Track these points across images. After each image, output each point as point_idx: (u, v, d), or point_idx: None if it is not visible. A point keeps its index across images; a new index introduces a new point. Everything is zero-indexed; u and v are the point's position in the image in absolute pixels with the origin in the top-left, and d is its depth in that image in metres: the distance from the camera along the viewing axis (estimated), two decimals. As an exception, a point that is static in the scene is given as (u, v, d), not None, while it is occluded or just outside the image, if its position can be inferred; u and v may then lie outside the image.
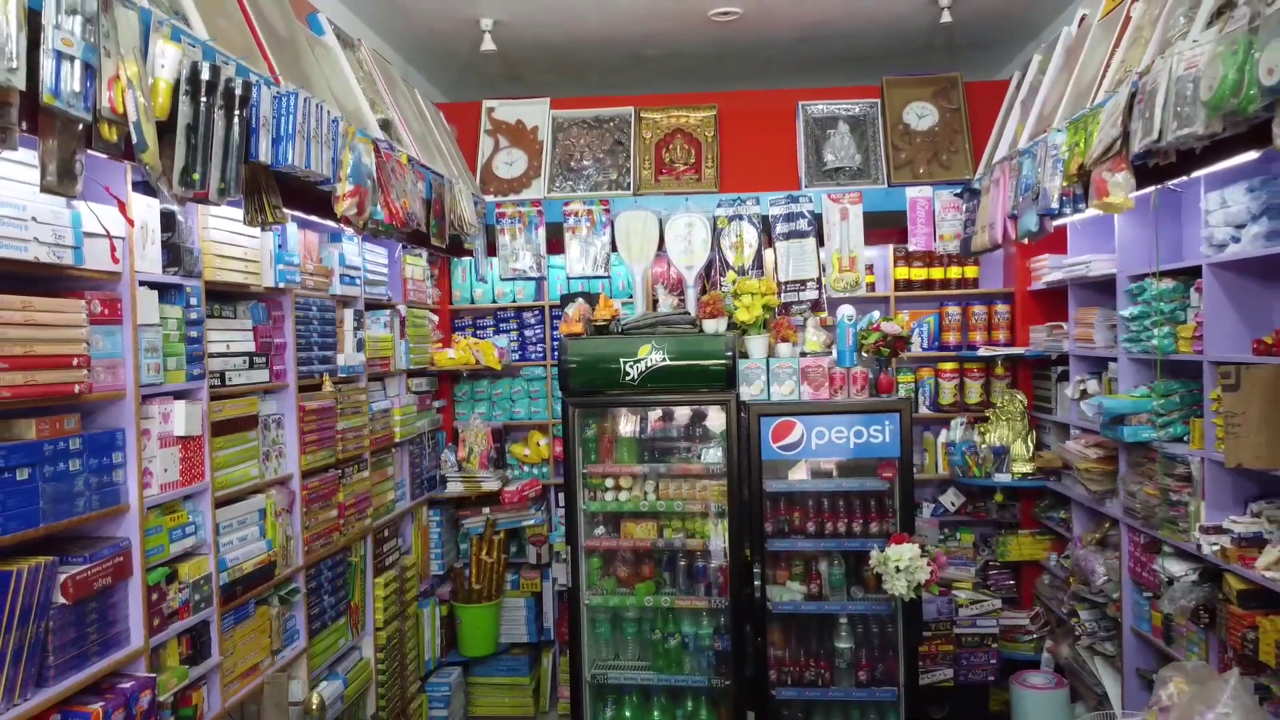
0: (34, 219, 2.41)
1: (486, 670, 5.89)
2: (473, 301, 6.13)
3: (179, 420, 3.03)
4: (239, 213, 3.36)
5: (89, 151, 2.17)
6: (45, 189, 2.11)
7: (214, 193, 2.52)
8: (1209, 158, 3.04)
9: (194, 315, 3.19)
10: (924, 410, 5.86)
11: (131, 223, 2.78)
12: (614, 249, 5.54)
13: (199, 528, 3.20)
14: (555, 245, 5.65)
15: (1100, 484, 4.60)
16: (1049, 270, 5.31)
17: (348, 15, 4.85)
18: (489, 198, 5.65)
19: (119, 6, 2.12)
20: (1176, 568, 3.81)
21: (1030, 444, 5.50)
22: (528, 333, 6.07)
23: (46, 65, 1.90)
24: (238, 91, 2.55)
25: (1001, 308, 5.80)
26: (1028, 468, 5.43)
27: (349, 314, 4.53)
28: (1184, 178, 3.39)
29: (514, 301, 6.09)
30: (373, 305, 4.92)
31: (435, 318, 5.90)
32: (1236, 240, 3.47)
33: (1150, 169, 3.25)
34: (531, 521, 5.86)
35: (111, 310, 2.76)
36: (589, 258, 5.52)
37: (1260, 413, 3.25)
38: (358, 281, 4.64)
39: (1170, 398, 3.95)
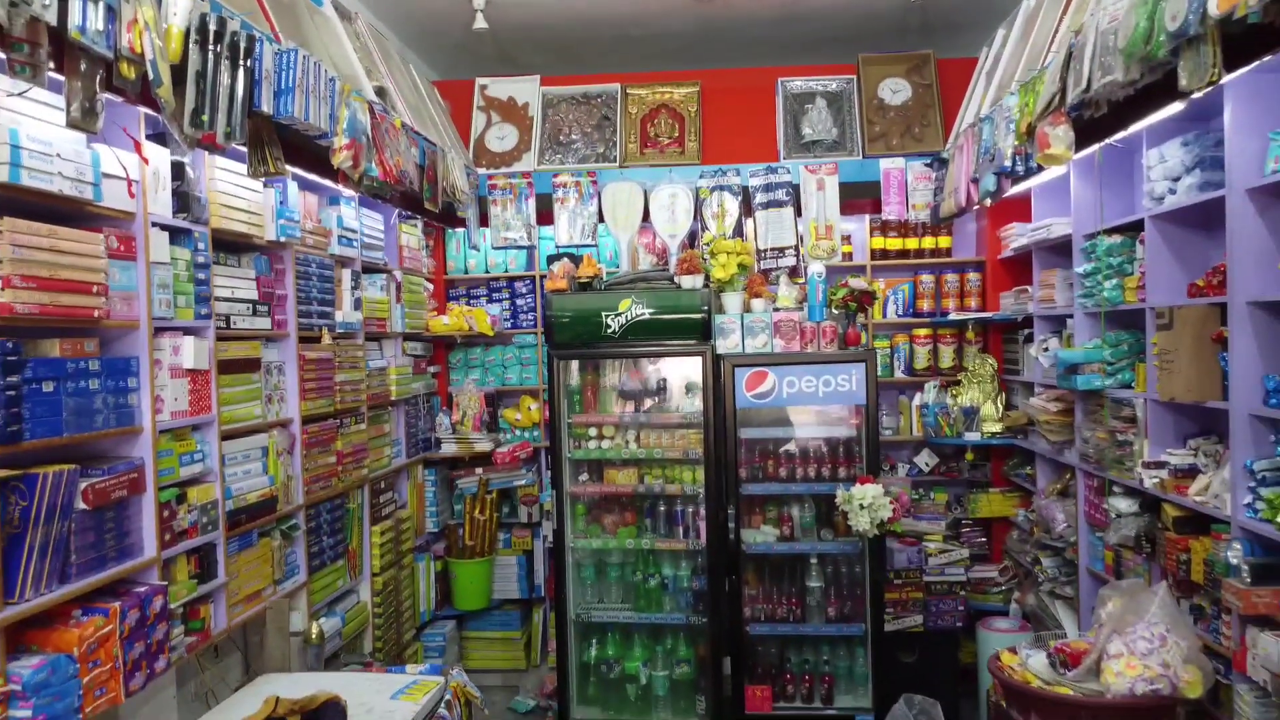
0: (59, 155, 2.66)
1: (479, 624, 6.15)
2: (466, 271, 6.39)
3: (188, 354, 3.29)
4: (243, 167, 3.62)
5: (107, 95, 2.43)
6: (70, 124, 2.36)
7: (220, 136, 2.77)
8: (1139, 110, 3.29)
9: (201, 259, 3.44)
10: (899, 375, 6.11)
11: (147, 161, 3.04)
12: (601, 219, 5.79)
13: (206, 456, 3.45)
14: (545, 216, 5.89)
15: (1059, 435, 4.85)
16: (1016, 237, 5.56)
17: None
18: (481, 170, 5.90)
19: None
20: (1123, 504, 4.06)
21: (1000, 404, 5.74)
22: (519, 301, 6.33)
23: (74, 6, 2.15)
24: (242, 44, 2.81)
25: (973, 275, 6.05)
26: (997, 427, 5.67)
27: (346, 274, 4.78)
28: (1123, 133, 3.64)
29: (506, 271, 6.34)
30: (370, 269, 5.17)
31: (430, 286, 6.16)
32: (1174, 192, 3.72)
33: (1089, 123, 3.50)
34: (523, 482, 6.11)
35: (127, 247, 3.01)
36: (577, 227, 5.77)
37: (1191, 349, 3.49)
38: (355, 244, 4.89)
39: (1119, 347, 4.19)
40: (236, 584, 3.62)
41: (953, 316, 5.94)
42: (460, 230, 6.23)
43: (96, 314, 2.82)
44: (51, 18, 2.09)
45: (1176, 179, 3.69)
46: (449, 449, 6.00)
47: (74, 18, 2.16)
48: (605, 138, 5.98)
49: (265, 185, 3.90)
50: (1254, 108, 3.16)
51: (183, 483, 3.31)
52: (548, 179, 5.82)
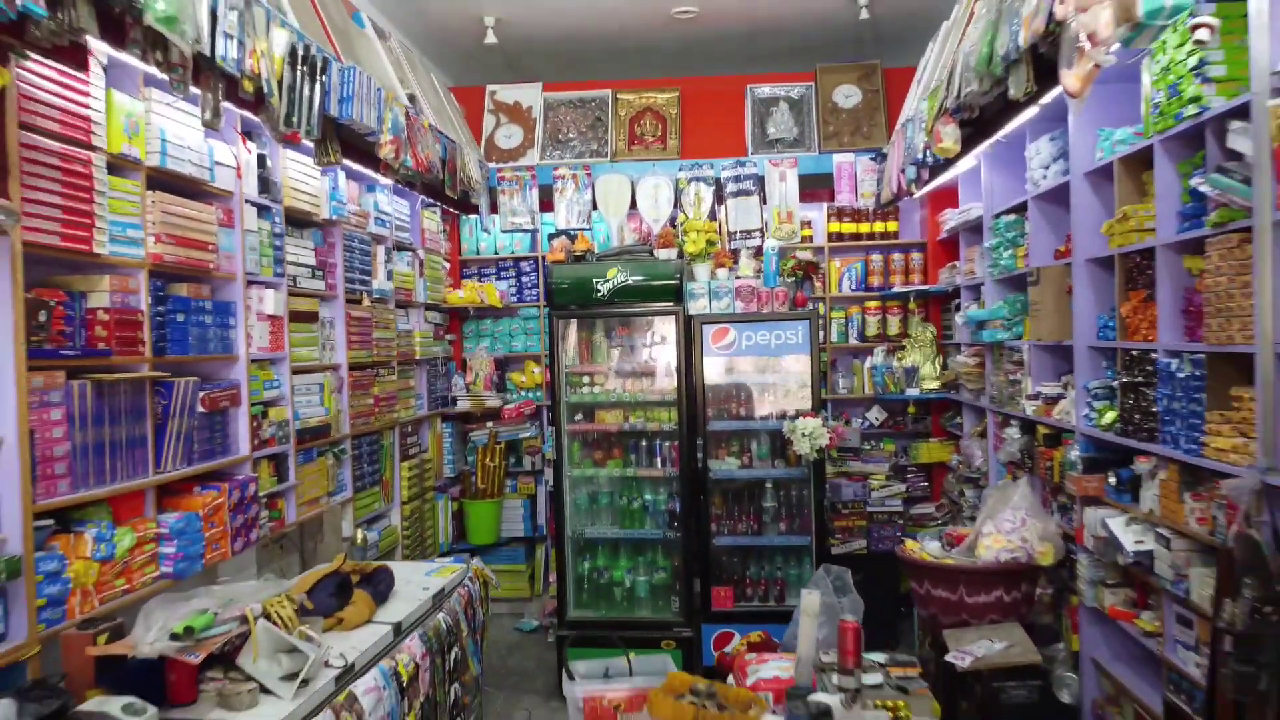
0: (189, 147, 3.62)
1: (490, 558, 7.09)
2: (478, 252, 7.35)
3: (269, 303, 4.25)
4: (306, 158, 4.60)
5: (225, 103, 3.38)
6: (205, 124, 3.31)
7: (303, 134, 3.73)
8: (1010, 113, 4.25)
9: (277, 230, 4.40)
10: (853, 341, 7.06)
11: (250, 152, 3.99)
12: (594, 206, 6.75)
13: (281, 385, 4.41)
14: (546, 204, 6.86)
15: (975, 384, 5.81)
16: (948, 220, 6.52)
17: (375, 12, 6.05)
18: (492, 164, 6.86)
19: (255, 5, 3.33)
20: (1014, 432, 5.02)
21: (937, 365, 6.69)
22: (524, 279, 7.29)
23: (220, 41, 3.11)
24: (318, 64, 3.77)
25: (916, 255, 7.00)
26: (934, 384, 6.62)
27: (380, 250, 5.74)
28: (1004, 131, 4.60)
29: (512, 252, 7.30)
30: (399, 247, 6.13)
31: (447, 264, 7.12)
32: (1045, 178, 4.67)
33: (982, 122, 4.45)
34: (527, 434, 7.07)
35: (229, 217, 3.97)
36: (574, 213, 6.74)
37: (1053, 300, 4.45)
38: (387, 225, 5.85)
39: (1014, 305, 5.14)
40: (301, 489, 4.58)
41: (897, 290, 6.89)
42: (473, 216, 7.19)
43: (210, 266, 3.78)
44: (206, 50, 3.04)
45: (1047, 167, 4.65)
46: (463, 405, 6.96)
47: (219, 49, 3.11)
48: (598, 136, 6.93)
49: (322, 173, 4.86)
50: (1089, 110, 4.11)
51: (265, 403, 4.27)
52: (549, 172, 6.78)
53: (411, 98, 5.24)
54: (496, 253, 7.33)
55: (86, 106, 3.08)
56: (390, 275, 5.88)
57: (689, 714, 2.22)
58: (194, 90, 3.24)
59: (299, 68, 3.62)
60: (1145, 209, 3.61)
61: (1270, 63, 2.72)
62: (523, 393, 7.24)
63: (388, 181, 5.67)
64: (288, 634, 2.94)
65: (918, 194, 6.39)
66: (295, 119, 3.65)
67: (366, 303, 5.46)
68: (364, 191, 5.61)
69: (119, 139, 3.25)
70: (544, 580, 7.18)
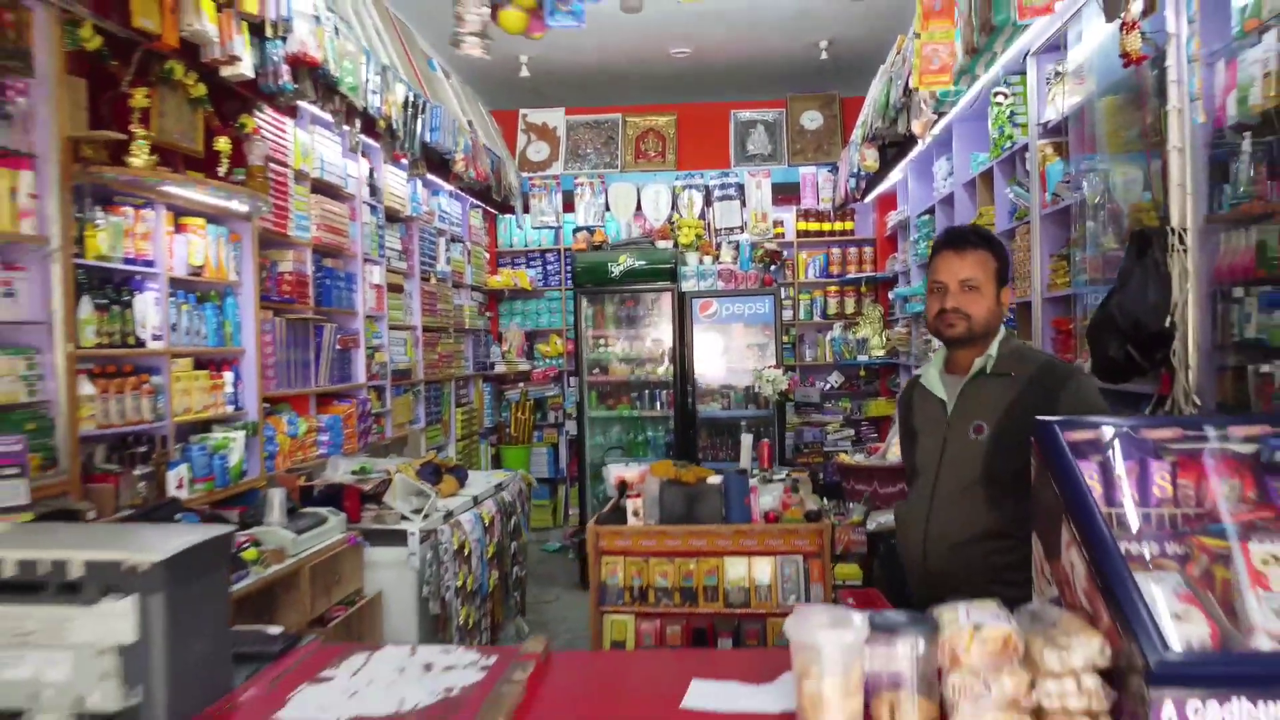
0: (332, 164, 5.26)
1: (521, 494, 8.71)
2: (511, 245, 8.99)
3: (375, 275, 5.88)
4: (399, 171, 6.23)
5: (361, 136, 5.00)
6: (348, 148, 4.95)
7: (409, 156, 5.37)
8: (912, 143, 5.87)
9: (380, 224, 6.02)
10: (817, 318, 8.69)
11: (373, 170, 5.64)
12: (607, 208, 8.39)
13: (382, 336, 6.04)
14: (568, 206, 8.49)
15: (905, 347, 7.43)
16: (890, 220, 8.15)
17: (433, 52, 7.68)
18: (524, 174, 8.49)
19: (388, 70, 4.97)
20: (926, 378, 6.64)
21: (884, 337, 8.32)
22: (549, 267, 8.92)
23: (371, 96, 4.73)
24: (419, 105, 5.41)
25: (868, 248, 8.63)
26: (880, 352, 8.25)
27: (442, 241, 7.37)
28: (909, 156, 6.23)
29: (540, 246, 8.94)
30: (453, 239, 7.76)
31: (487, 255, 8.76)
32: (944, 187, 6.31)
33: (896, 145, 6.07)
34: (551, 393, 8.71)
35: (353, 214, 5.60)
36: (591, 213, 8.37)
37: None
38: (447, 222, 7.48)
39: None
40: (395, 414, 6.21)
41: (852, 276, 8.53)
42: (509, 215, 8.83)
43: (344, 247, 5.41)
44: (360, 103, 4.67)
45: (945, 179, 6.28)
46: (500, 368, 8.58)
47: (370, 101, 4.74)
48: (610, 151, 8.57)
49: (407, 181, 6.50)
50: (968, 139, 5.73)
51: (373, 348, 5.90)
52: (570, 180, 8.41)
53: (470, 124, 6.88)
54: (526, 245, 8.97)
55: (284, 139, 4.71)
56: (448, 261, 7.51)
57: (671, 469, 3.79)
58: (344, 127, 4.88)
59: (408, 109, 5.26)
60: (991, 211, 5.24)
61: (1037, 116, 4.34)
62: (547, 360, 8.86)
63: (449, 187, 7.31)
64: (415, 482, 4.57)
65: (866, 200, 8.01)
66: (404, 146, 5.29)
67: (433, 281, 7.10)
68: (431, 195, 7.25)
69: (299, 160, 4.88)
70: (564, 512, 8.80)
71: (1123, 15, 2.73)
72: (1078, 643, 1.50)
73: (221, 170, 3.92)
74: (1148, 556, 1.63)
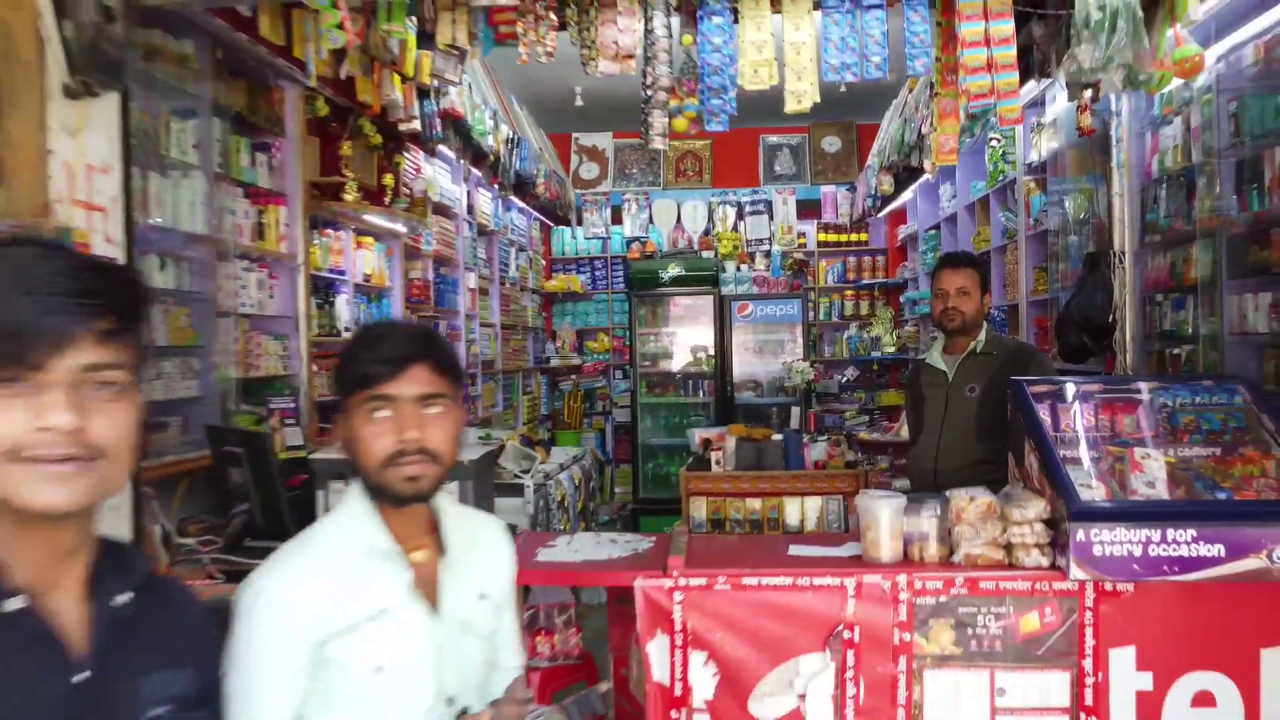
0: (445, 189, 6.40)
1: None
2: (564, 253, 10.14)
3: (471, 280, 7.02)
4: (488, 192, 7.38)
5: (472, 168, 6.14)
6: (461, 178, 6.09)
7: (506, 183, 6.52)
8: (921, 170, 6.99)
9: (473, 237, 7.17)
10: (835, 319, 9.83)
11: (476, 192, 6.80)
12: (650, 221, 9.53)
13: (475, 331, 7.18)
14: (616, 219, 9.63)
15: (914, 343, 8.57)
16: (900, 233, 9.29)
17: (502, 86, 8.82)
18: (577, 191, 9.63)
19: (498, 115, 6.11)
20: (933, 370, 7.77)
21: (894, 335, 9.45)
22: (598, 273, 10.07)
23: (484, 140, 5.87)
24: (515, 142, 6.55)
25: (880, 257, 9.77)
26: (892, 348, 9.38)
27: (513, 250, 8.52)
28: (923, 177, 7.36)
29: (589, 254, 10.09)
30: (520, 248, 8.91)
31: (543, 261, 9.91)
32: (948, 208, 7.44)
33: (907, 170, 7.20)
34: (600, 385, 9.84)
35: (457, 228, 6.74)
36: (636, 225, 9.52)
37: (950, 283, 7.20)
38: (515, 234, 8.63)
39: (935, 289, 7.89)
40: (483, 398, 7.34)
41: (866, 282, 9.67)
42: (564, 227, 9.97)
43: (452, 258, 6.55)
44: (479, 144, 5.80)
45: (950, 200, 7.41)
46: (555, 362, 9.73)
47: (486, 142, 5.87)
48: (654, 171, 9.71)
49: (491, 200, 7.65)
50: (968, 167, 6.86)
51: (469, 341, 7.04)
52: (618, 196, 9.56)
53: (540, 150, 8.02)
54: (578, 254, 10.12)
55: (420, 172, 5.85)
56: (516, 268, 8.66)
57: (744, 429, 4.91)
58: (461, 161, 6.02)
59: (508, 145, 6.40)
60: (988, 230, 6.37)
61: (1024, 157, 5.47)
62: (596, 355, 10.00)
63: (519, 203, 8.45)
64: (521, 448, 5.70)
65: (880, 215, 9.15)
66: (503, 174, 6.44)
67: (507, 285, 8.24)
68: (504, 210, 8.39)
69: (429, 188, 6.02)
70: (611, 490, 9.92)
71: (1079, 99, 3.87)
72: (1032, 505, 2.63)
73: (387, 200, 5.07)
74: (1075, 457, 2.76)
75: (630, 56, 2.98)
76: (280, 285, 4.15)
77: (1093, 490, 2.64)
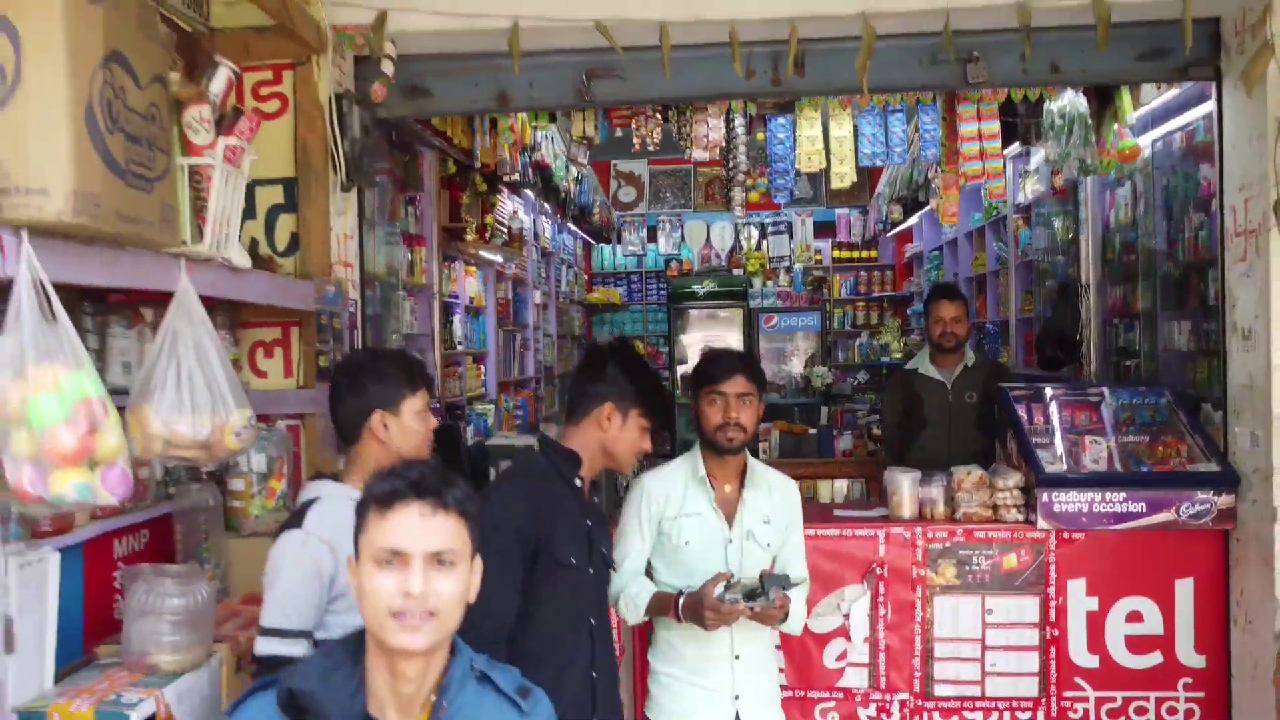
0: (521, 218, 7.48)
1: (611, 466, 10.94)
2: (603, 268, 11.23)
3: (536, 296, 8.10)
4: (548, 220, 8.47)
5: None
6: (530, 210, 7.17)
7: (570, 214, 7.61)
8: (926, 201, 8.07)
9: (537, 259, 8.24)
10: (848, 328, 10.92)
11: (546, 222, 7.90)
12: (683, 239, 10.62)
13: (540, 342, 8.25)
14: (651, 237, 10.72)
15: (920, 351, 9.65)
16: (907, 250, 10.38)
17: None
18: (616, 212, 10.71)
19: (566, 157, 7.18)
20: (936, 374, 8.84)
21: (901, 343, 10.52)
22: (634, 287, 11.16)
23: (561, 182, 6.95)
24: (579, 178, 7.64)
25: (889, 272, 10.87)
26: (899, 354, 10.45)
27: (564, 267, 9.60)
28: (925, 209, 8.44)
29: (626, 269, 11.18)
30: (569, 265, 10.00)
31: (585, 275, 11.00)
32: (951, 232, 8.51)
33: (914, 201, 8.28)
34: (636, 386, 10.92)
35: (528, 253, 7.82)
36: (670, 244, 10.60)
37: (952, 299, 8.29)
38: (565, 254, 9.72)
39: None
40: (545, 401, 8.42)
41: (876, 295, 10.77)
42: (604, 245, 11.07)
43: (523, 278, 7.63)
44: (560, 186, 6.87)
45: (952, 227, 8.48)
46: (596, 367, 10.80)
47: (562, 184, 6.94)
48: (685, 195, 10.78)
49: (550, 224, 8.73)
50: (969, 201, 7.92)
51: (536, 350, 8.11)
52: (654, 217, 10.64)
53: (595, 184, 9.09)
54: (615, 269, 11.21)
55: (517, 214, 6.92)
56: (567, 283, 9.75)
57: (786, 425, 6.00)
58: (536, 198, 7.10)
59: (576, 182, 7.49)
60: (983, 256, 7.45)
61: (1013, 198, 6.54)
62: (632, 360, 11.08)
63: (571, 225, 9.55)
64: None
65: (889, 235, 10.23)
66: (569, 206, 7.52)
67: (560, 300, 9.33)
68: (557, 232, 9.49)
69: (512, 220, 7.10)
70: (645, 482, 11.00)
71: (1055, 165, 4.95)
72: (1012, 476, 3.70)
73: (488, 235, 6.15)
74: (1045, 443, 3.83)
75: (717, 146, 4.05)
76: (419, 309, 5.22)
77: (1055, 465, 3.72)
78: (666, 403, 2.66)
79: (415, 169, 5.09)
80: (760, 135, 4.28)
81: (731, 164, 4.37)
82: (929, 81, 3.57)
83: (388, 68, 3.42)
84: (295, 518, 2.21)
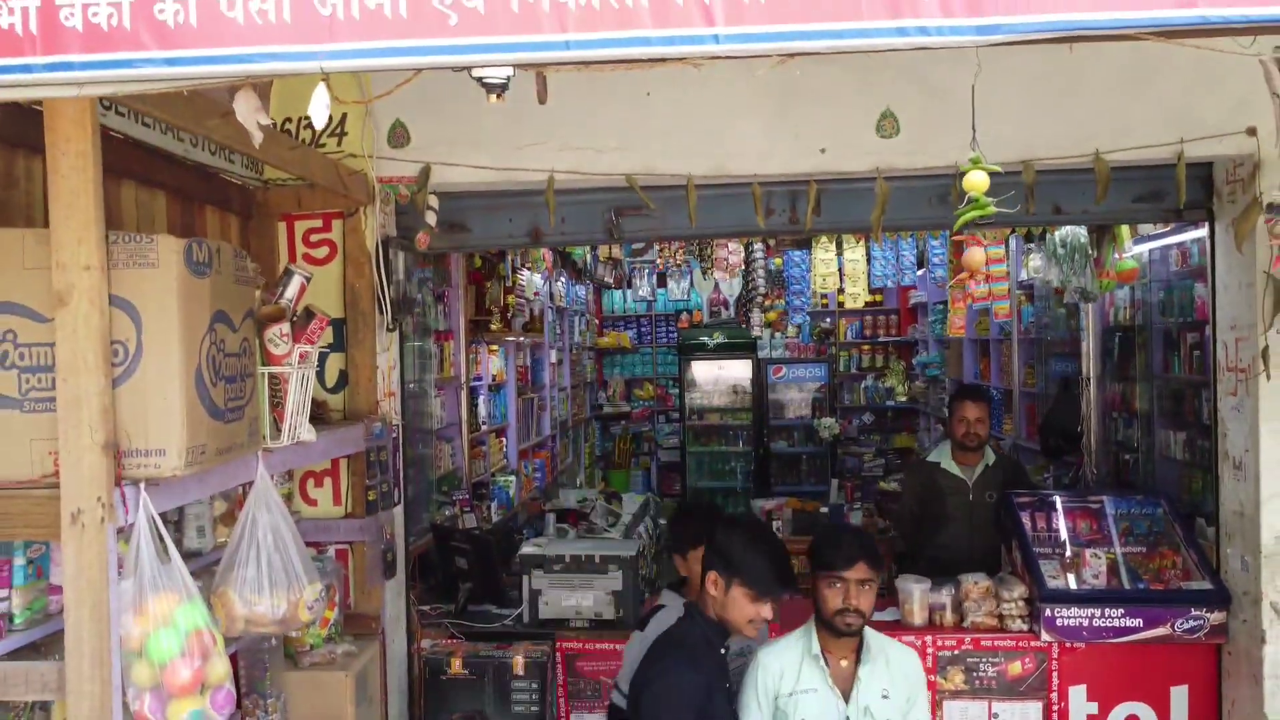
0: (536, 284, 7.72)
1: (622, 507, 11.17)
2: (613, 312, 11.46)
3: (552, 355, 8.33)
4: (561, 279, 8.69)
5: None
6: (546, 279, 7.41)
7: (581, 275, 7.84)
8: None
9: (552, 319, 8.47)
10: (854, 370, 11.15)
11: (562, 282, 8.14)
12: (692, 286, 10.85)
13: (555, 398, 8.48)
14: (661, 282, 10.95)
15: (924, 397, 9.89)
16: (912, 298, 10.61)
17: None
18: (627, 260, 10.94)
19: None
20: (940, 427, 9.08)
21: (906, 386, 10.76)
22: (644, 330, 11.39)
23: (580, 258, 7.18)
24: (594, 245, 7.88)
25: (893, 317, 11.09)
26: (904, 397, 10.69)
27: (576, 316, 9.83)
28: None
29: (636, 313, 11.41)
30: (580, 315, 10.23)
31: (596, 321, 11.24)
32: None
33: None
34: (646, 429, 11.17)
35: (544, 316, 8.05)
36: (680, 290, 10.84)
37: (957, 355, 8.51)
38: (577, 304, 9.95)
39: (942, 354, 9.18)
40: (561, 455, 8.65)
41: (881, 339, 11.00)
42: (616, 290, 11.30)
43: (541, 343, 7.86)
44: (577, 261, 7.10)
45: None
46: (607, 409, 11.05)
47: (576, 254, 7.18)
48: (695, 244, 11.00)
49: (564, 284, 8.96)
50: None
51: (552, 407, 8.34)
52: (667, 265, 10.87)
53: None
54: (625, 313, 11.45)
55: (538, 294, 7.14)
56: (579, 333, 9.99)
57: (797, 503, 6.24)
58: (556, 270, 7.32)
59: (592, 251, 7.72)
60: (986, 321, 7.67)
61: (1015, 276, 6.76)
62: (643, 402, 11.32)
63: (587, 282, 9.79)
64: (606, 504, 7.02)
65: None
66: (585, 274, 7.75)
67: (573, 351, 9.56)
68: (571, 286, 9.72)
69: (529, 292, 7.33)
70: (655, 522, 11.23)
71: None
72: (1017, 588, 3.94)
73: (510, 315, 6.38)
74: (1047, 553, 4.06)
75: (736, 269, 4.30)
76: (448, 399, 5.45)
77: (1057, 580, 3.95)
78: (782, 570, 2.66)
79: (444, 268, 5.32)
80: (779, 262, 4.52)
81: (751, 286, 4.61)
82: (938, 221, 3.81)
83: (431, 219, 3.65)
84: None
